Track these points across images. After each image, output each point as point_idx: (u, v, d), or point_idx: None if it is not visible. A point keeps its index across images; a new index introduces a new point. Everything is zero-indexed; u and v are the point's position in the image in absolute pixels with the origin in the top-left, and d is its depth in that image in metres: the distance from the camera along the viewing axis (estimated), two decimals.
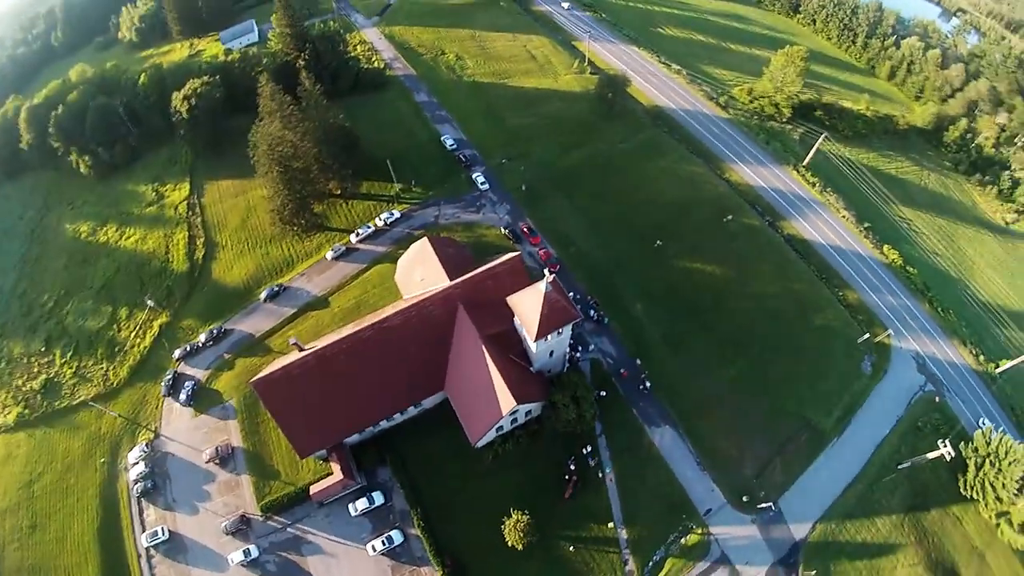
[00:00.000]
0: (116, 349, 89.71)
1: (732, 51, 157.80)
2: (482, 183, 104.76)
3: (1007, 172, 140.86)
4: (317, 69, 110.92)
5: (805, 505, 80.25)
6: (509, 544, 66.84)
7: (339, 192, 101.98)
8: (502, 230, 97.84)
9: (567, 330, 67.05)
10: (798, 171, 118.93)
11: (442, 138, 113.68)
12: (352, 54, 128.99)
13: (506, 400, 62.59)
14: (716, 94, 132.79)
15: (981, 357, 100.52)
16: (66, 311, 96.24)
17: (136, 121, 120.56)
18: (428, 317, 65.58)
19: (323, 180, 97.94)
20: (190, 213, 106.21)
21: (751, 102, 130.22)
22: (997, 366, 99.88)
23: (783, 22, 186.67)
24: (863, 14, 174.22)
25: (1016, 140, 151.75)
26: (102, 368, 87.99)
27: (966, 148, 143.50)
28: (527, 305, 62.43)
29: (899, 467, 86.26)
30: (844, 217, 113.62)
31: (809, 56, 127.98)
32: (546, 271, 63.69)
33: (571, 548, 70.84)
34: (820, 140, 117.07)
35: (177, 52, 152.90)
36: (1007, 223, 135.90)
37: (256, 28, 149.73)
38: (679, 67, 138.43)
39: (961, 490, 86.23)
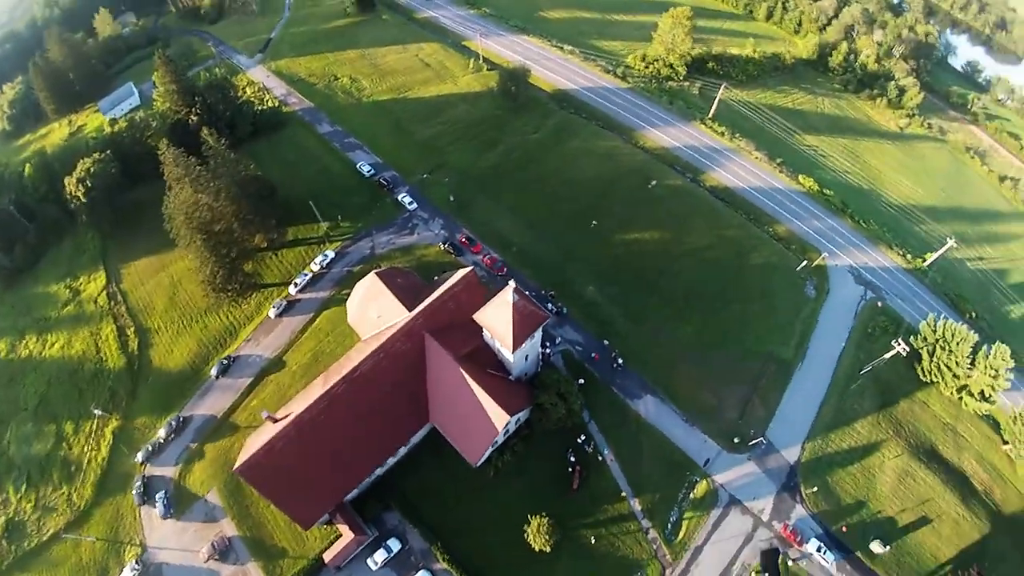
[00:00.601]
0: (73, 469, 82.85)
1: (618, 22, 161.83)
2: (409, 203, 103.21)
3: (892, 82, 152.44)
4: (211, 121, 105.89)
5: (790, 430, 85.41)
6: (537, 549, 67.40)
7: (266, 245, 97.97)
8: (441, 246, 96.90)
9: (539, 332, 67.72)
10: (705, 124, 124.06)
11: (357, 165, 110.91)
12: (244, 98, 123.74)
13: (498, 416, 62.64)
14: (612, 66, 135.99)
15: (908, 256, 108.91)
16: (6, 440, 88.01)
17: (30, 216, 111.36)
18: (398, 355, 64.36)
19: (248, 237, 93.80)
20: (112, 303, 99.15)
21: (646, 67, 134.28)
22: (924, 260, 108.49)
23: None
24: None
25: (894, 51, 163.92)
26: (64, 493, 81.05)
27: (851, 69, 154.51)
28: (497, 319, 62.39)
29: (862, 373, 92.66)
30: (757, 158, 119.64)
31: (693, 13, 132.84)
32: (511, 282, 63.93)
33: (592, 536, 72.03)
34: (720, 91, 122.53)
35: (57, 132, 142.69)
36: (901, 128, 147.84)
37: (136, 90, 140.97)
38: (572, 47, 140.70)
39: (921, 377, 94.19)
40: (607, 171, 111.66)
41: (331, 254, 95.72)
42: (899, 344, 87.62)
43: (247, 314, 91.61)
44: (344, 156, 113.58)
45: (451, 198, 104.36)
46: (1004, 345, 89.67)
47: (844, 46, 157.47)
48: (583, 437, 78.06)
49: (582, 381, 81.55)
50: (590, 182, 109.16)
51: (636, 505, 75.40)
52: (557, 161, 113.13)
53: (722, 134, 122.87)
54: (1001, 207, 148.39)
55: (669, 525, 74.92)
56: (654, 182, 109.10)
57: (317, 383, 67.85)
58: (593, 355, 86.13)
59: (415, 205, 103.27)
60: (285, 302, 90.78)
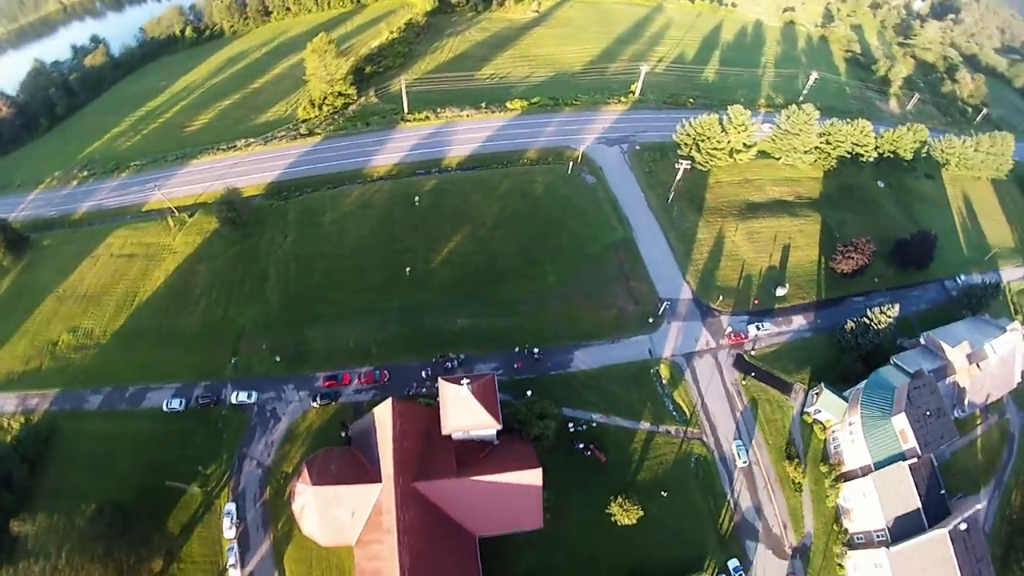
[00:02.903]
0: None
1: (259, 87, 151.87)
2: (247, 397, 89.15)
3: None
4: None
5: (670, 280, 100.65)
6: (635, 521, 72.10)
7: (164, 559, 79.90)
8: (314, 405, 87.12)
9: None
10: (408, 120, 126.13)
11: (165, 407, 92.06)
12: None
13: (532, 475, 63.59)
14: (292, 130, 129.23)
15: (622, 98, 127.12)
16: None
17: None
18: (413, 525, 59.74)
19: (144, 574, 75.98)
20: None
21: (321, 110, 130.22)
22: (634, 93, 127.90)
23: (269, 31, 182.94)
24: None
25: None
26: None
27: None
28: (468, 415, 62.07)
29: (670, 201, 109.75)
30: (468, 115, 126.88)
31: (328, 37, 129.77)
32: (457, 384, 62.65)
33: (647, 477, 78.80)
34: (402, 84, 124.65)
35: None
36: (537, 11, 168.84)
37: None
38: (244, 140, 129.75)
39: (703, 169, 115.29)
40: (372, 219, 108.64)
41: (231, 507, 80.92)
42: (678, 163, 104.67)
43: None
44: (143, 411, 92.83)
45: (277, 359, 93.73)
46: (735, 105, 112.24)
47: None
48: (571, 425, 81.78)
49: (530, 392, 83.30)
50: (368, 239, 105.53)
51: (644, 425, 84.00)
52: (326, 245, 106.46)
53: (427, 118, 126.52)
54: (642, 13, 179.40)
55: (674, 413, 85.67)
56: (416, 198, 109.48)
57: None
58: (516, 365, 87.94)
59: (254, 394, 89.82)
60: None
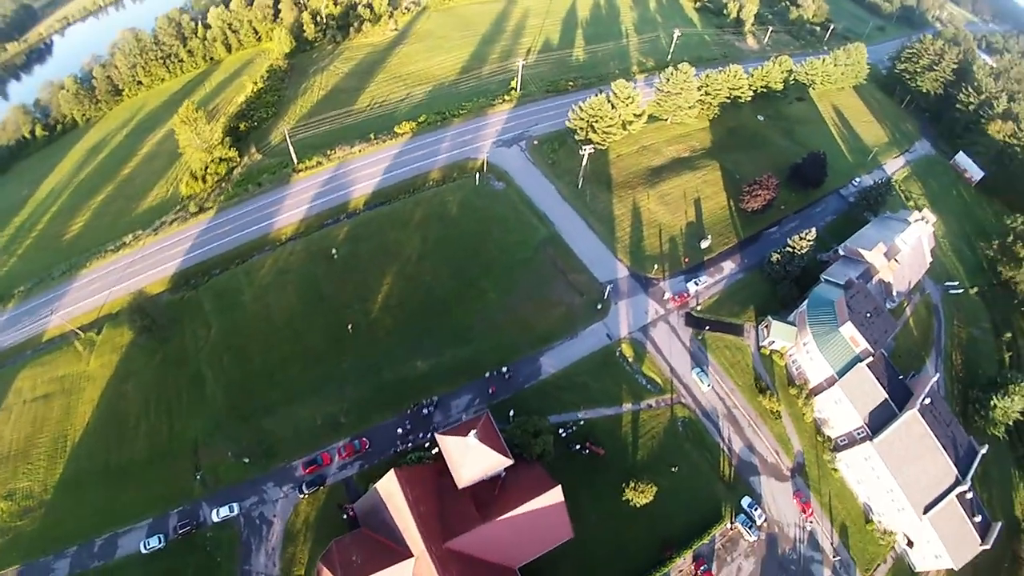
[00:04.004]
0: None
1: (132, 172, 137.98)
2: (229, 512, 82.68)
3: (358, 9, 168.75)
4: None
5: (604, 263, 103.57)
6: (652, 499, 74.82)
7: None
8: (302, 496, 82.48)
9: None
10: (300, 171, 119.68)
11: (143, 548, 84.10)
12: None
13: (553, 496, 65.00)
14: (182, 211, 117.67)
15: (505, 96, 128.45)
16: None
17: None
18: None
19: None
20: None
21: (206, 180, 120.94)
22: (515, 89, 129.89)
23: (124, 110, 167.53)
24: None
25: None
26: None
27: (326, 26, 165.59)
28: (480, 463, 62.53)
29: (581, 187, 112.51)
30: (360, 150, 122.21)
31: (193, 104, 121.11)
32: (459, 437, 63.08)
33: (644, 455, 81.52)
34: (287, 137, 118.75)
35: None
36: (397, 29, 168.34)
37: None
38: (131, 234, 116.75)
39: (602, 147, 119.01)
40: (295, 284, 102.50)
41: None
42: (582, 150, 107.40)
43: None
44: (119, 561, 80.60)
45: (246, 460, 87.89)
46: (617, 80, 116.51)
47: (307, 16, 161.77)
48: (561, 430, 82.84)
49: (512, 412, 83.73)
50: (297, 307, 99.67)
51: (627, 407, 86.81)
52: (255, 325, 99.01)
53: (319, 163, 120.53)
54: (497, 9, 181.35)
55: (648, 387, 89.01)
56: (334, 250, 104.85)
57: None
58: (490, 390, 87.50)
59: (235, 506, 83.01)
60: None
